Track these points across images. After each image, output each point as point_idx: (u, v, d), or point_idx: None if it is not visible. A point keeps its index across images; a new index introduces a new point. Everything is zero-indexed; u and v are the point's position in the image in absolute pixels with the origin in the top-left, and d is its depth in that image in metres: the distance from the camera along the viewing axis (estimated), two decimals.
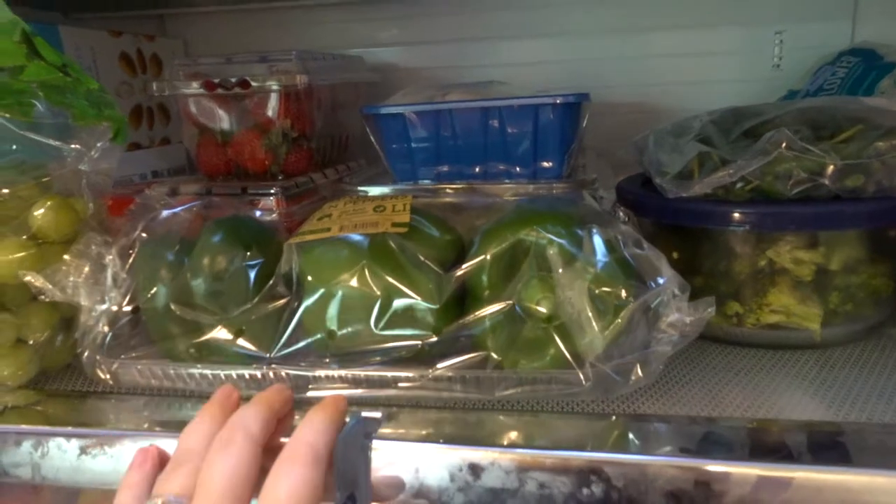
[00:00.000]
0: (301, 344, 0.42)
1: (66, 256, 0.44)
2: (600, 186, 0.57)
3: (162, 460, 0.34)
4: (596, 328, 0.37)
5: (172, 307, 0.43)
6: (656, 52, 0.78)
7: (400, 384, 0.39)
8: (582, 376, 0.37)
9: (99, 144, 0.42)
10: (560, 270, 0.38)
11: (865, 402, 0.38)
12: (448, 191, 0.54)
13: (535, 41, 0.81)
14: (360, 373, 0.40)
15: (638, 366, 0.37)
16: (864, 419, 0.36)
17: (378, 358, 0.41)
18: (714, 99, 0.65)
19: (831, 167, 0.40)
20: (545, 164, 0.55)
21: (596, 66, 0.80)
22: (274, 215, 0.53)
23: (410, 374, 0.39)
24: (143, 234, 0.46)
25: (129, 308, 0.44)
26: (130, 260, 0.44)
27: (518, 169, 0.55)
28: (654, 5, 0.77)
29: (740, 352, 0.45)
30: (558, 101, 0.52)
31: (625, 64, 0.79)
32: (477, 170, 0.56)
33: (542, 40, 0.81)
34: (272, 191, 0.55)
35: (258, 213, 0.50)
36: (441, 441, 0.35)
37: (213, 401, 0.34)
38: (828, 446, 0.34)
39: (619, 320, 0.36)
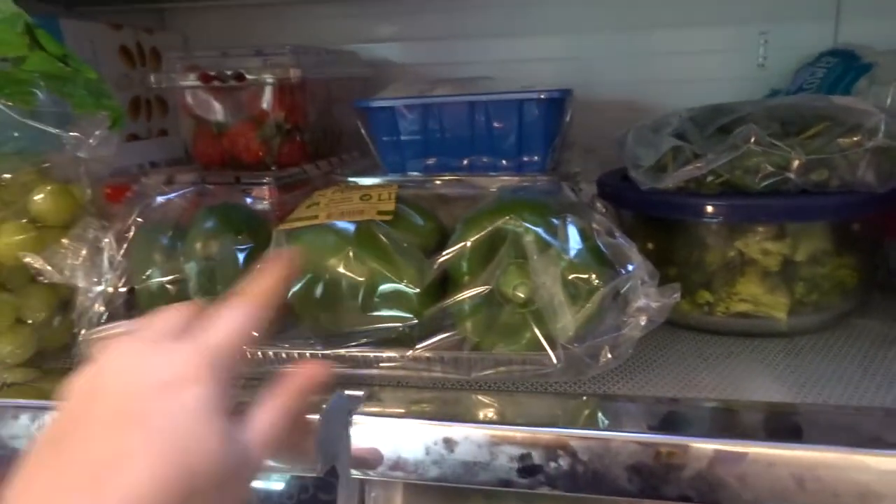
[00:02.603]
0: (288, 325, 0.44)
1: (64, 240, 0.45)
2: (583, 180, 0.59)
3: None
4: (568, 312, 0.39)
5: (166, 289, 0.45)
6: (645, 51, 0.80)
7: (381, 364, 0.41)
8: (554, 358, 0.39)
9: (97, 133, 0.44)
10: (535, 257, 0.40)
11: (825, 386, 0.40)
12: (435, 182, 0.56)
13: (528, 39, 0.83)
14: (344, 352, 0.42)
15: (607, 348, 0.38)
16: (821, 401, 0.38)
17: (362, 339, 0.43)
18: (701, 97, 0.66)
19: (797, 162, 0.41)
20: (529, 158, 0.56)
21: (586, 64, 0.82)
22: (266, 204, 0.55)
23: (391, 354, 0.41)
24: (139, 220, 0.48)
25: (124, 289, 0.45)
26: (126, 244, 0.46)
27: (503, 162, 0.57)
28: (644, 5, 0.78)
29: (710, 339, 0.47)
30: (542, 97, 0.54)
31: (614, 62, 0.81)
32: (464, 162, 0.58)
33: (534, 38, 0.83)
34: (265, 180, 0.57)
35: (250, 201, 0.52)
36: (417, 417, 0.37)
37: None
38: (782, 425, 0.35)
39: (590, 305, 0.38)
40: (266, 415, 0.30)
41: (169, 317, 0.31)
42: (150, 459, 0.25)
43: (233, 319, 0.31)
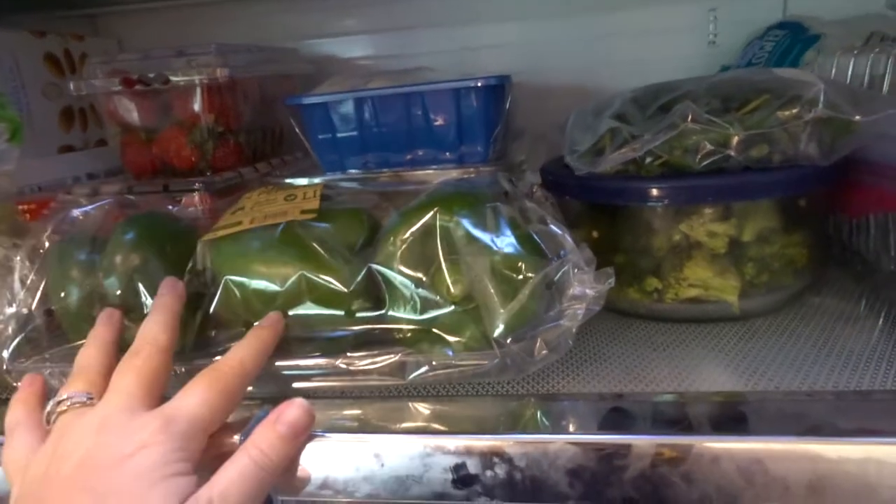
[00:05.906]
0: (218, 336, 0.41)
1: None
2: (529, 168, 0.57)
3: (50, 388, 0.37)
4: (500, 306, 0.36)
5: (87, 307, 0.42)
6: (594, 34, 0.78)
7: (310, 378, 0.39)
8: (490, 356, 0.37)
9: None
10: (465, 252, 0.38)
11: (777, 371, 0.38)
12: (374, 180, 0.54)
13: (477, 27, 0.81)
14: (272, 363, 0.39)
15: (544, 341, 0.36)
16: (772, 388, 0.36)
17: (294, 345, 0.40)
18: (653, 78, 0.64)
19: (736, 138, 0.40)
20: (470, 148, 0.54)
21: (535, 50, 0.80)
22: (198, 211, 0.52)
23: (323, 363, 0.39)
24: (54, 235, 0.45)
25: (39, 311, 0.43)
26: (39, 262, 0.43)
27: (445, 154, 0.55)
28: None
29: (662, 327, 0.45)
30: (479, 84, 0.52)
31: (565, 47, 0.79)
32: (405, 157, 0.56)
33: (483, 26, 0.81)
34: (195, 186, 0.54)
35: (177, 210, 0.49)
36: (345, 431, 0.35)
37: (97, 323, 0.38)
38: (729, 416, 0.34)
39: (520, 297, 0.36)
40: (229, 470, 0.29)
41: (126, 381, 0.31)
42: None
43: (199, 393, 0.31)
